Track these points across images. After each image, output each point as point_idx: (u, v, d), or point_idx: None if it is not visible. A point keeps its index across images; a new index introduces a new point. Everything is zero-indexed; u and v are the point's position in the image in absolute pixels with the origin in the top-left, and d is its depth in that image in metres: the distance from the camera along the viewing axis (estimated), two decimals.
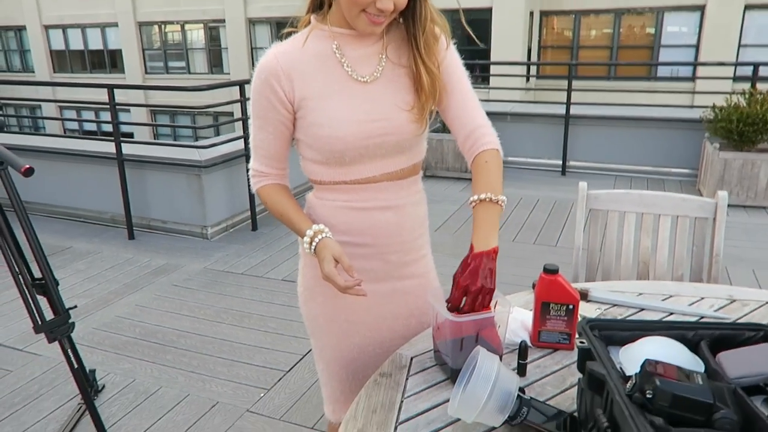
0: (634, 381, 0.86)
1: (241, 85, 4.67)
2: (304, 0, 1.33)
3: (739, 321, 1.49)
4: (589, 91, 6.94)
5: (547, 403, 1.15)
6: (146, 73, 18.96)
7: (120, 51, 19.03)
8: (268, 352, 2.93)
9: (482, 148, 1.30)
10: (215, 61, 18.35)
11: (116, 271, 4.01)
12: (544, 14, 14.77)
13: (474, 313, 1.17)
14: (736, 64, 7.08)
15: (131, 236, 4.65)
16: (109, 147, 4.58)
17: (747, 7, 12.85)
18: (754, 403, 0.85)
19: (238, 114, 4.82)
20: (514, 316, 1.40)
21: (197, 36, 18.49)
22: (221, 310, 3.40)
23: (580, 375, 1.24)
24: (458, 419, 1.08)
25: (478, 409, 1.02)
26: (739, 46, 12.96)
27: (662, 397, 0.82)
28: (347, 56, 1.28)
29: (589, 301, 1.60)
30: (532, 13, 14.31)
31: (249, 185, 1.40)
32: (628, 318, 1.51)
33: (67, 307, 2.11)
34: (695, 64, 11.85)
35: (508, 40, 13.47)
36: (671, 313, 1.53)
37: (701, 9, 13.25)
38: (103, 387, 2.65)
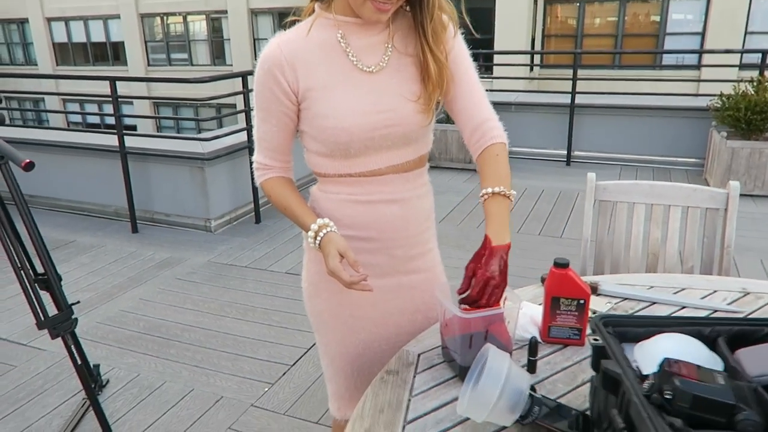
0: (651, 381, 0.83)
1: (244, 76, 4.63)
2: None
3: (753, 314, 1.46)
4: (594, 80, 6.88)
5: (559, 401, 1.13)
6: (149, 65, 18.92)
7: (122, 43, 18.98)
8: (272, 345, 2.92)
9: (491, 142, 1.28)
10: (218, 53, 18.29)
11: (120, 265, 3.99)
12: (548, 2, 14.63)
13: (483, 309, 1.14)
14: (744, 51, 6.96)
15: (135, 229, 4.64)
16: (111, 140, 4.56)
17: None
18: None
19: (240, 106, 4.78)
20: (523, 311, 1.36)
21: (199, 27, 18.43)
22: (225, 303, 3.38)
23: (591, 372, 1.21)
24: (468, 418, 1.05)
25: (489, 409, 0.99)
26: (746, 33, 12.83)
27: (682, 397, 0.79)
28: (352, 45, 1.24)
29: (599, 294, 1.57)
30: (536, 2, 14.19)
31: (252, 178, 1.37)
32: (639, 312, 1.48)
33: (70, 302, 2.09)
34: (703, 52, 11.71)
35: (512, 29, 13.38)
36: (683, 307, 1.50)
37: None
38: (108, 382, 2.64)
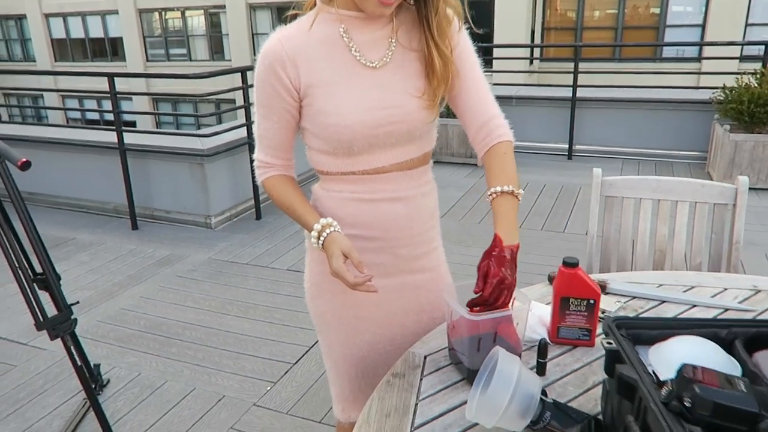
0: (670, 387, 0.80)
1: (243, 71, 4.59)
2: None
3: (766, 313, 1.42)
4: (595, 73, 6.82)
5: (569, 404, 1.10)
6: (147, 60, 18.84)
7: (121, 39, 18.90)
8: (274, 344, 2.89)
9: (498, 140, 1.25)
10: (216, 48, 18.21)
11: (120, 263, 3.96)
12: None
13: (492, 311, 1.11)
14: (748, 44, 6.92)
15: (134, 227, 4.61)
16: (110, 136, 4.53)
17: None
18: None
19: (240, 101, 4.74)
20: (532, 311, 1.34)
21: (198, 22, 18.34)
22: (226, 301, 3.36)
23: (602, 374, 1.19)
24: (477, 424, 1.03)
25: (499, 414, 0.96)
26: (746, 25, 12.75)
27: (702, 405, 0.76)
28: (355, 40, 1.21)
29: (607, 293, 1.54)
30: None
31: (253, 174, 1.34)
32: (649, 311, 1.45)
33: (69, 302, 2.06)
34: (707, 44, 11.63)
35: (512, 23, 13.30)
36: (694, 305, 1.47)
37: None
38: (108, 381, 2.61)
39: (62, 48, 20.00)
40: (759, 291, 1.54)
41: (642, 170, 5.87)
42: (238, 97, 4.73)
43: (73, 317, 2.03)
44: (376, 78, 1.21)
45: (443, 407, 1.10)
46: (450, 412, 1.09)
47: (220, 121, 8.72)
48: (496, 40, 13.20)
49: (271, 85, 1.21)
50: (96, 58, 19.69)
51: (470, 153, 6.18)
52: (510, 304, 1.15)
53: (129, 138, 4.54)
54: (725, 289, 1.55)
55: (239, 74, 4.62)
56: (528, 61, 12.66)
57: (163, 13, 18.39)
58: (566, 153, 6.50)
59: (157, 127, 16.47)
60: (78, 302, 2.20)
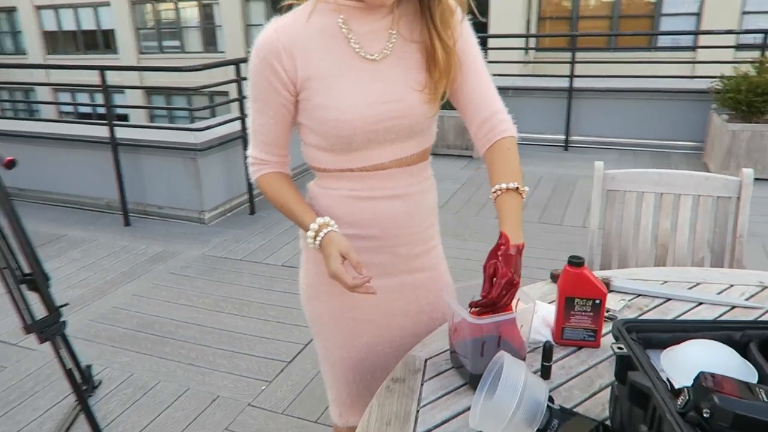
0: (686, 397, 0.76)
1: (237, 64, 4.53)
2: None
3: None
4: (590, 63, 6.76)
5: (576, 410, 1.06)
6: (140, 53, 18.67)
7: (113, 31, 18.71)
8: (269, 341, 2.84)
9: (501, 135, 1.21)
10: (209, 40, 18.05)
11: (112, 260, 3.91)
12: None
13: (496, 315, 1.07)
14: (746, 32, 6.85)
15: (127, 223, 4.55)
16: (102, 131, 4.45)
17: None
18: None
19: (234, 94, 4.68)
20: (536, 313, 1.29)
21: (191, 14, 18.16)
22: (220, 298, 3.31)
23: (609, 377, 1.15)
24: None
25: (505, 422, 0.92)
26: (742, 13, 12.70)
27: (722, 416, 0.72)
28: (354, 32, 1.15)
29: (611, 291, 1.49)
30: None
31: (247, 170, 1.29)
32: (654, 309, 1.41)
33: (59, 303, 2.01)
34: (705, 33, 11.53)
35: (507, 13, 13.21)
36: (700, 303, 1.43)
37: None
38: (100, 382, 2.56)
39: (54, 41, 19.79)
40: (766, 287, 1.50)
41: (638, 161, 5.83)
42: (232, 89, 4.66)
43: (62, 319, 1.97)
44: (376, 71, 1.16)
45: (445, 414, 1.06)
46: (453, 420, 1.04)
47: (213, 114, 8.64)
48: (492, 30, 13.12)
49: (266, 79, 1.15)
50: (88, 50, 19.49)
51: (466, 145, 6.13)
52: (514, 304, 1.11)
53: (121, 132, 4.47)
54: (731, 286, 1.52)
55: (233, 66, 4.56)
56: (524, 51, 12.58)
57: (156, 4, 18.21)
58: (563, 144, 6.46)
59: (150, 121, 16.34)
60: (68, 304, 2.14)
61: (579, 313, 1.22)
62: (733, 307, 1.41)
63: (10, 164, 1.74)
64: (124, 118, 15.22)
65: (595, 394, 1.11)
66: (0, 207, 1.93)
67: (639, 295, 1.48)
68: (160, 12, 18.43)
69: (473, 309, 1.09)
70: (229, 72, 4.56)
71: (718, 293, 1.48)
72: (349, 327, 1.33)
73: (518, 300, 1.13)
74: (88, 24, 19.29)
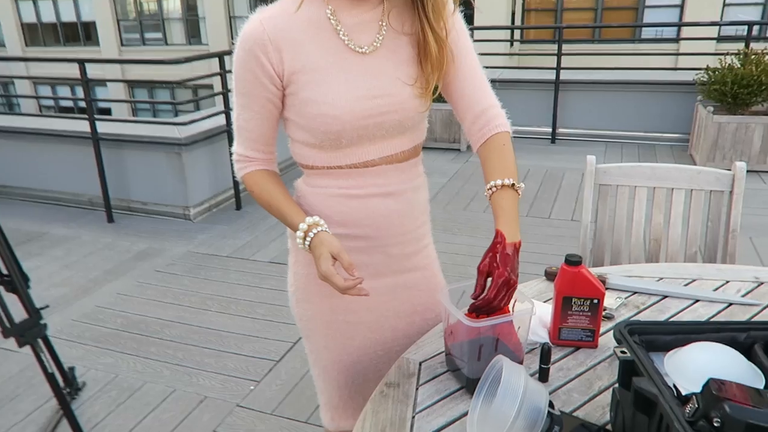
0: (696, 405, 0.73)
1: (221, 56, 4.45)
2: None
3: None
4: (575, 55, 6.75)
5: (575, 414, 1.03)
6: (122, 45, 18.38)
7: (94, 23, 18.41)
8: (257, 340, 2.80)
9: (496, 131, 1.17)
10: (193, 32, 17.81)
11: (96, 257, 3.83)
12: None
13: (493, 317, 1.03)
14: (731, 24, 6.88)
15: (110, 219, 4.46)
16: (83, 125, 4.36)
17: None
18: None
19: (218, 87, 4.60)
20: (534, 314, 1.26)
21: (173, 5, 17.91)
22: (207, 296, 3.25)
23: (608, 378, 1.12)
24: None
25: (505, 430, 0.89)
26: (724, 5, 12.75)
27: (733, 425, 0.69)
28: (343, 23, 1.11)
29: (607, 288, 1.47)
30: None
31: (232, 166, 1.24)
32: (651, 306, 1.39)
33: (39, 305, 1.95)
34: (690, 24, 11.57)
35: (492, 5, 13.16)
36: (697, 300, 1.41)
37: None
38: (84, 384, 2.50)
39: (33, 33, 19.43)
40: (762, 283, 1.49)
41: (625, 153, 5.83)
42: (217, 82, 4.59)
43: (43, 322, 1.92)
44: (365, 64, 1.11)
45: (442, 420, 1.02)
46: (449, 426, 1.01)
47: (198, 108, 8.54)
48: (477, 22, 13.08)
49: (251, 72, 1.11)
50: (68, 42, 19.16)
51: (453, 138, 6.10)
52: (510, 305, 1.08)
53: (103, 127, 4.38)
54: (727, 282, 1.50)
55: (217, 59, 4.48)
56: (509, 43, 12.55)
57: None
58: (550, 137, 6.45)
59: (133, 115, 16.11)
60: (48, 306, 2.08)
61: (576, 313, 1.19)
62: (730, 304, 1.39)
63: None
64: (107, 111, 14.98)
65: (594, 396, 1.08)
66: None
67: (635, 293, 1.45)
68: (141, 3, 18.15)
69: (469, 311, 1.06)
70: (213, 65, 4.49)
71: (714, 290, 1.46)
72: (340, 330, 1.29)
73: (515, 300, 1.09)
74: (67, 16, 18.95)
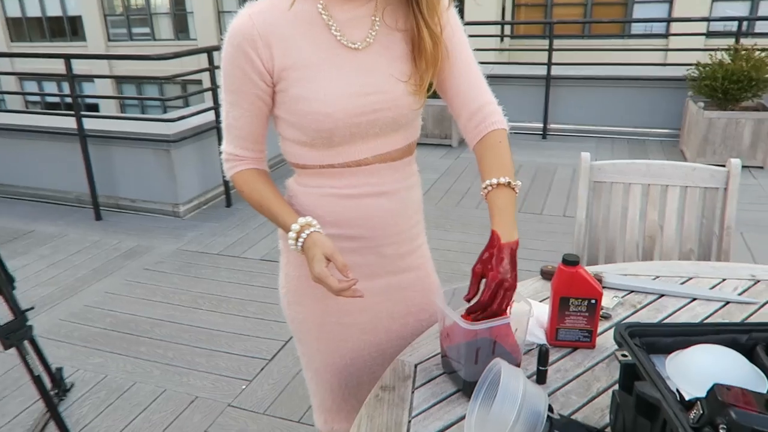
0: (700, 410, 0.72)
1: (209, 51, 4.40)
2: None
3: None
4: (565, 51, 6.74)
5: (574, 417, 1.02)
6: (109, 40, 18.20)
7: (80, 17, 18.21)
8: (249, 339, 2.77)
9: (492, 128, 1.14)
10: (181, 27, 17.67)
11: (83, 255, 3.78)
12: None
13: (490, 320, 1.01)
14: (721, 19, 6.91)
15: (98, 217, 4.40)
16: (70, 122, 4.30)
17: None
18: None
19: (207, 83, 4.55)
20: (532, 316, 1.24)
21: (161, 0, 17.76)
22: (197, 294, 3.21)
23: (606, 379, 1.11)
24: None
25: None
26: (713, 1, 12.80)
27: None
28: (335, 18, 1.08)
29: (603, 287, 1.45)
30: None
31: (222, 163, 1.21)
32: (647, 305, 1.38)
33: (25, 306, 1.91)
34: (680, 20, 11.60)
35: (483, 0, 13.14)
36: (694, 299, 1.40)
37: None
38: (72, 385, 2.46)
39: (18, 28, 19.20)
40: (758, 281, 1.48)
41: (615, 149, 5.84)
42: (205, 78, 4.54)
43: (28, 323, 1.88)
44: (358, 61, 1.08)
45: (439, 424, 1.00)
46: (446, 430, 0.99)
47: (186, 104, 8.46)
48: (467, 18, 13.05)
49: (240, 68, 1.08)
50: (54, 38, 18.95)
51: (445, 134, 6.08)
52: (508, 307, 1.06)
53: (90, 123, 4.32)
54: (723, 280, 1.49)
55: (206, 55, 4.43)
56: (499, 38, 12.53)
57: None
58: (541, 132, 6.44)
59: (121, 111, 15.98)
60: (33, 307, 2.04)
61: (574, 313, 1.18)
62: (728, 303, 1.38)
63: None
64: (94, 108, 14.85)
65: (593, 399, 1.06)
66: None
67: (631, 292, 1.44)
68: None
69: (467, 315, 1.03)
70: (202, 60, 4.44)
71: (711, 288, 1.45)
72: (333, 332, 1.27)
73: (512, 302, 1.07)
74: (53, 10, 18.73)
